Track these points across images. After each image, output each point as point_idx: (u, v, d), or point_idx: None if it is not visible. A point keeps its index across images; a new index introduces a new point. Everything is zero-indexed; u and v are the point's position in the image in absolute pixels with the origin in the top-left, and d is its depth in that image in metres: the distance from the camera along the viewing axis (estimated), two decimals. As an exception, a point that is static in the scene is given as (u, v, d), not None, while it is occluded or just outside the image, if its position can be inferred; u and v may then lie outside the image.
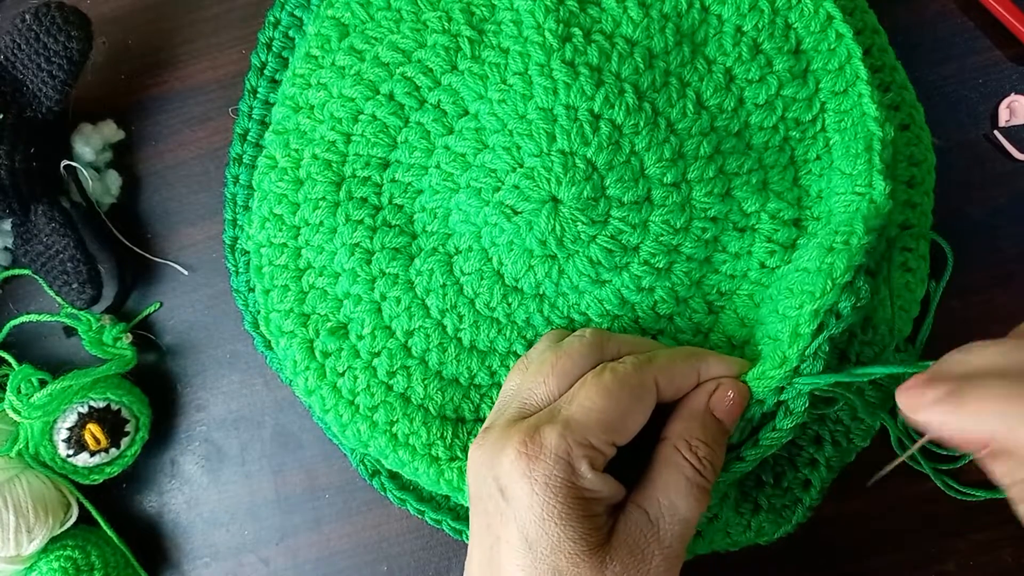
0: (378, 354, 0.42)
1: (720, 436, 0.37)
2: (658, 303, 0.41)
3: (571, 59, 0.40)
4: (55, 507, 0.47)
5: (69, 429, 0.46)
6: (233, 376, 0.50)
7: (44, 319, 0.49)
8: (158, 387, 0.50)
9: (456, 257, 0.42)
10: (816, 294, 0.36)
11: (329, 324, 0.43)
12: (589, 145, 0.40)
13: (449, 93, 0.42)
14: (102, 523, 0.48)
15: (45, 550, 0.47)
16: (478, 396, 0.42)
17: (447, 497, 0.45)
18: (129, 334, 0.49)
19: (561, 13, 0.41)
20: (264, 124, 0.48)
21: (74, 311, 0.48)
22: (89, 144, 0.49)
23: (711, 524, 0.44)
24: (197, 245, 0.51)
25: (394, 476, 0.46)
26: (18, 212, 0.47)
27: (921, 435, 0.35)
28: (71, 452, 0.47)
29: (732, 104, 0.42)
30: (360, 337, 0.42)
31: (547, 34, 0.40)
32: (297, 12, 0.48)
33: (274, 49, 0.48)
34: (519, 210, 0.40)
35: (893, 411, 0.43)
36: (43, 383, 0.46)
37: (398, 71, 0.43)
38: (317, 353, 0.43)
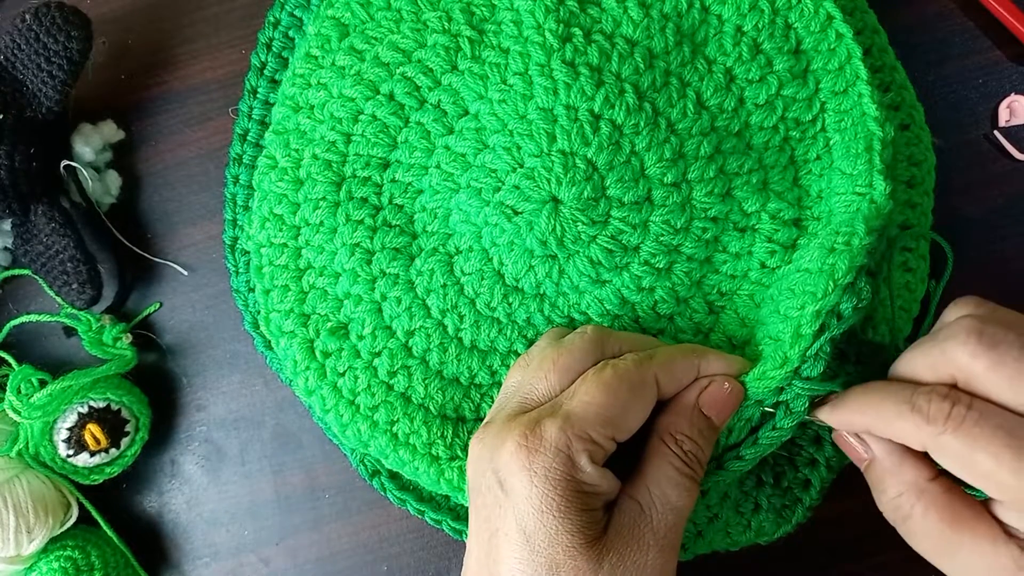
0: (379, 354, 0.42)
1: (708, 432, 0.37)
2: (658, 303, 0.41)
3: (571, 59, 0.40)
4: (55, 507, 0.47)
5: (69, 429, 0.46)
6: (233, 376, 0.50)
7: (44, 319, 0.49)
8: (158, 387, 0.50)
9: (456, 257, 0.42)
10: (818, 295, 0.36)
11: (329, 324, 0.43)
12: (589, 145, 0.40)
13: (449, 93, 0.42)
14: (102, 523, 0.48)
15: (45, 550, 0.47)
16: (479, 395, 0.42)
17: (447, 497, 0.45)
18: (129, 334, 0.49)
19: (561, 13, 0.41)
20: (264, 124, 0.48)
21: (74, 311, 0.48)
22: (89, 144, 0.49)
23: (711, 524, 0.44)
24: (197, 245, 0.51)
25: (394, 476, 0.46)
26: (18, 212, 0.47)
27: None
28: (71, 452, 0.47)
29: (732, 104, 0.42)
30: (361, 337, 0.42)
31: (547, 34, 0.40)
32: (297, 12, 0.48)
33: (274, 49, 0.48)
34: (519, 210, 0.40)
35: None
36: (43, 383, 0.46)
37: (398, 71, 0.43)
38: (317, 353, 0.43)
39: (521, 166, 0.40)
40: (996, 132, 0.47)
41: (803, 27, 0.42)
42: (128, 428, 0.48)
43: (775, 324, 0.39)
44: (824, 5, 0.41)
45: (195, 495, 0.50)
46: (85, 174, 0.48)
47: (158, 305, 0.51)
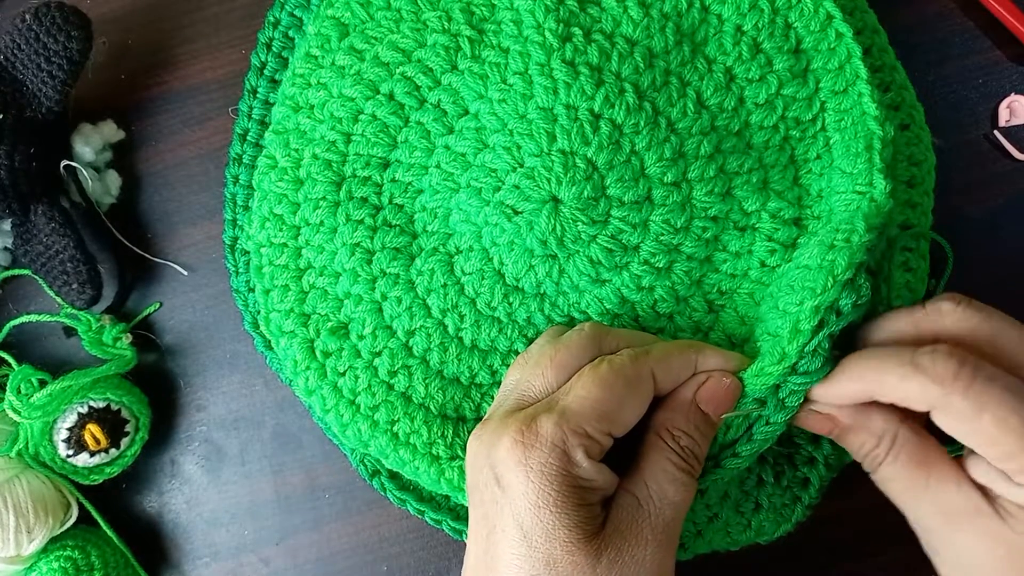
0: (379, 354, 0.42)
1: (705, 427, 0.37)
2: (658, 302, 0.41)
3: (571, 59, 0.40)
4: (55, 507, 0.47)
5: (69, 429, 0.46)
6: (233, 376, 0.50)
7: (44, 319, 0.49)
8: (158, 387, 0.50)
9: (457, 257, 0.42)
10: (817, 291, 0.36)
11: (330, 324, 0.43)
12: (589, 145, 0.40)
13: (449, 93, 0.42)
14: (102, 523, 0.48)
15: (45, 550, 0.47)
16: (479, 395, 0.42)
17: (447, 497, 0.45)
18: (129, 334, 0.49)
19: (561, 13, 0.41)
20: (264, 124, 0.48)
21: (74, 311, 0.48)
22: (89, 144, 0.49)
23: (711, 524, 0.44)
24: (197, 245, 0.51)
25: (394, 476, 0.46)
26: (18, 212, 0.47)
27: None
28: (71, 452, 0.46)
29: (732, 103, 0.42)
30: (361, 337, 0.42)
31: (547, 34, 0.40)
32: (297, 12, 0.48)
33: (274, 49, 0.48)
34: (519, 210, 0.40)
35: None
36: (43, 383, 0.46)
37: (398, 71, 0.43)
38: (318, 353, 0.43)
39: (521, 166, 0.40)
40: (996, 132, 0.47)
41: (803, 26, 0.42)
42: (128, 428, 0.48)
43: (774, 320, 0.39)
44: (824, 4, 0.41)
45: (195, 495, 0.50)
46: (85, 174, 0.48)
47: (158, 305, 0.51)
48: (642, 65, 0.41)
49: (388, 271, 0.42)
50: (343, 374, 0.42)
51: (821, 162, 0.42)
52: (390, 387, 0.42)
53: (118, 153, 0.51)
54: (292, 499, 0.49)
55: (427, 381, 0.42)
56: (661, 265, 0.41)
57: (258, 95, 0.48)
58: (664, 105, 0.41)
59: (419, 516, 0.46)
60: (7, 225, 0.49)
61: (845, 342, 0.38)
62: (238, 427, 0.50)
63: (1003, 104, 0.47)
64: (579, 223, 0.39)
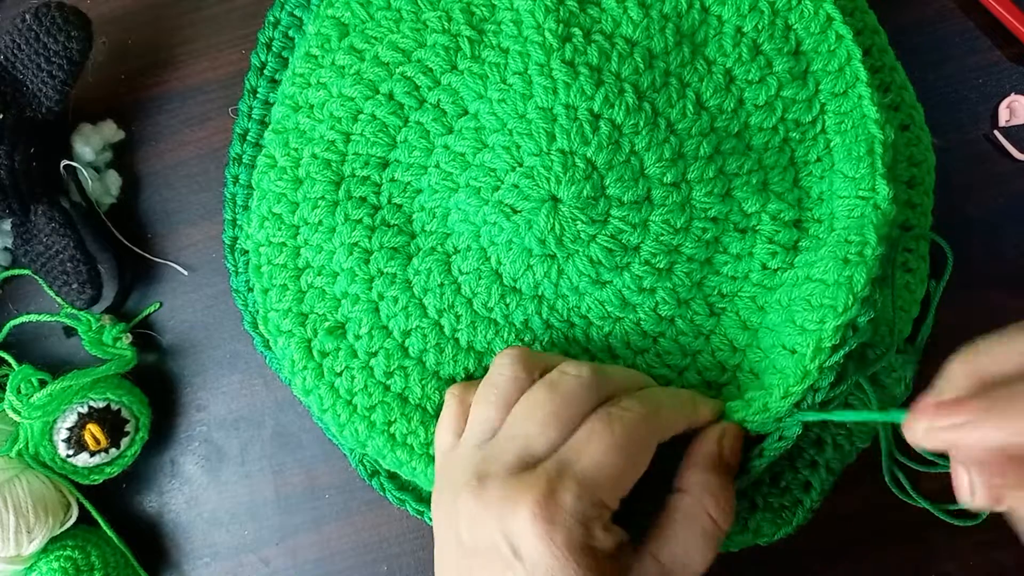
0: (375, 354, 0.42)
1: (732, 481, 0.37)
2: (659, 304, 0.41)
3: (571, 59, 0.40)
4: (55, 507, 0.47)
5: (69, 429, 0.46)
6: (233, 376, 0.50)
7: (44, 319, 0.49)
8: (158, 387, 0.50)
9: (455, 256, 0.42)
10: (839, 309, 0.37)
11: (327, 323, 0.43)
12: (589, 144, 0.40)
13: (449, 93, 0.42)
14: (102, 523, 0.48)
15: (45, 550, 0.47)
16: (475, 396, 0.42)
17: (447, 497, 0.45)
18: (129, 334, 0.49)
19: (561, 13, 0.41)
20: (264, 124, 0.48)
21: (74, 311, 0.48)
22: (89, 144, 0.49)
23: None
24: (197, 245, 0.51)
25: (393, 476, 0.46)
26: (18, 212, 0.47)
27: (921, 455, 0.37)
28: (71, 452, 0.47)
29: (732, 105, 0.42)
30: (358, 337, 0.42)
31: (547, 34, 0.40)
32: (297, 12, 0.48)
33: (274, 49, 0.48)
34: (518, 209, 0.40)
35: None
36: (43, 383, 0.46)
37: (398, 71, 0.43)
38: (315, 352, 0.43)
39: (520, 165, 0.40)
40: (996, 132, 0.47)
41: (803, 28, 0.42)
42: (128, 428, 0.48)
43: (791, 336, 0.38)
44: (824, 6, 0.41)
45: (195, 495, 0.50)
46: (85, 174, 0.48)
47: (158, 305, 0.51)
48: (642, 66, 0.41)
49: (385, 270, 0.42)
50: (340, 374, 0.42)
51: (822, 164, 0.42)
52: (386, 388, 0.42)
53: (118, 153, 0.51)
54: (292, 499, 0.49)
55: (423, 382, 0.42)
56: (662, 266, 0.41)
57: (258, 95, 0.49)
58: (664, 106, 0.41)
59: (418, 516, 0.46)
60: (7, 225, 0.49)
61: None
62: (238, 427, 0.50)
63: (1003, 104, 0.47)
64: (578, 222, 0.39)
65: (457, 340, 0.42)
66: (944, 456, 0.37)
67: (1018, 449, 0.27)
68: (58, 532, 0.47)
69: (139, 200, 0.51)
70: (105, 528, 0.48)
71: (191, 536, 0.50)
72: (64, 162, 0.48)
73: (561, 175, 0.39)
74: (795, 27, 0.42)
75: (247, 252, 0.46)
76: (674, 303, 0.41)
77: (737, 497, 0.43)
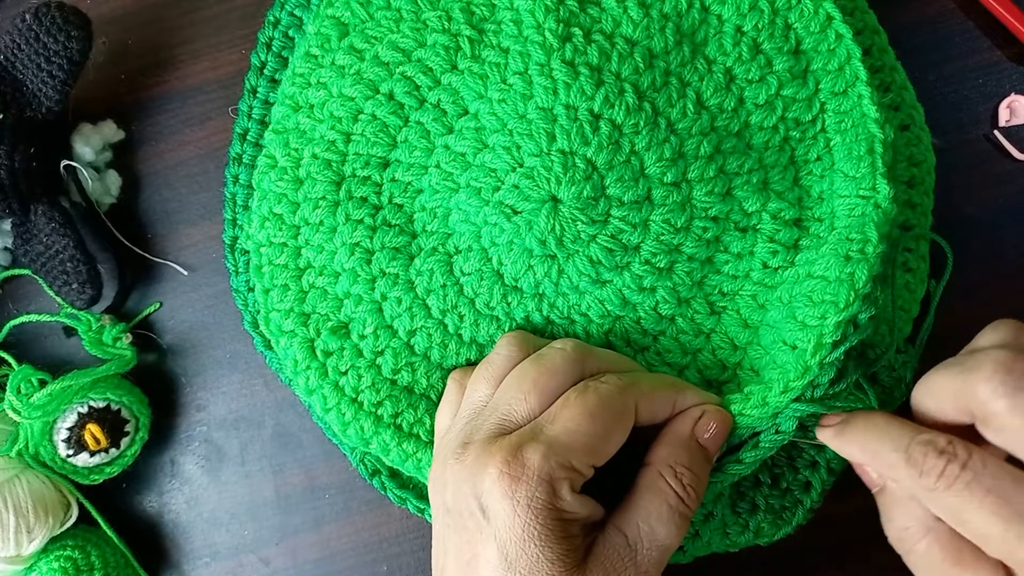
0: (382, 352, 0.42)
1: (704, 463, 0.37)
2: (660, 303, 0.41)
3: (571, 59, 0.40)
4: (55, 507, 0.47)
5: (69, 429, 0.46)
6: (233, 376, 0.50)
7: (44, 319, 0.49)
8: (158, 387, 0.50)
9: (456, 257, 0.42)
10: (840, 305, 0.37)
11: (330, 323, 0.43)
12: (589, 145, 0.40)
13: (449, 92, 0.42)
14: (102, 523, 0.48)
15: (45, 550, 0.47)
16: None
17: (447, 496, 0.45)
18: (129, 334, 0.49)
19: (561, 13, 0.41)
20: (264, 124, 0.48)
21: (74, 311, 0.48)
22: (89, 144, 0.49)
23: (707, 523, 0.44)
24: (197, 245, 0.51)
25: (394, 475, 0.46)
26: (18, 212, 0.47)
27: None
28: (71, 452, 0.47)
29: (732, 104, 0.42)
30: (362, 336, 0.42)
31: (547, 34, 0.40)
32: (297, 12, 0.48)
33: (274, 49, 0.48)
34: (519, 210, 0.40)
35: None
36: (43, 383, 0.46)
37: (398, 70, 0.43)
38: (318, 352, 0.43)
39: (521, 165, 0.40)
40: (996, 132, 0.47)
41: (803, 27, 0.42)
42: (128, 428, 0.48)
43: (792, 332, 0.38)
44: (824, 5, 0.41)
45: (195, 495, 0.50)
46: (85, 174, 0.48)
47: (158, 305, 0.51)
48: (642, 65, 0.41)
49: (387, 271, 0.42)
50: (345, 373, 0.42)
51: (822, 164, 0.42)
52: (393, 383, 0.42)
53: (118, 153, 0.51)
54: (292, 499, 0.49)
55: (429, 374, 0.42)
56: (662, 265, 0.41)
57: (258, 95, 0.49)
58: (664, 105, 0.41)
59: (419, 514, 0.46)
60: (7, 225, 0.49)
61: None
62: (238, 427, 0.50)
63: (1003, 104, 0.47)
64: (578, 223, 0.39)
65: (460, 336, 0.42)
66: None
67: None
68: (58, 532, 0.47)
69: (139, 200, 0.51)
70: (105, 528, 0.48)
71: (191, 536, 0.50)
72: (64, 162, 0.48)
73: (561, 175, 0.39)
74: (795, 26, 0.42)
75: (247, 252, 0.46)
76: (674, 302, 0.41)
77: (738, 498, 0.43)
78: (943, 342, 0.45)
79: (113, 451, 0.47)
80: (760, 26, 0.42)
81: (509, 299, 0.41)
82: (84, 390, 0.47)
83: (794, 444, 0.43)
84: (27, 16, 0.45)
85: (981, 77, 0.48)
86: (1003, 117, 0.47)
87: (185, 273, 0.51)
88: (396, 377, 0.42)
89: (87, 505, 0.48)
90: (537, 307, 0.41)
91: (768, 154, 0.42)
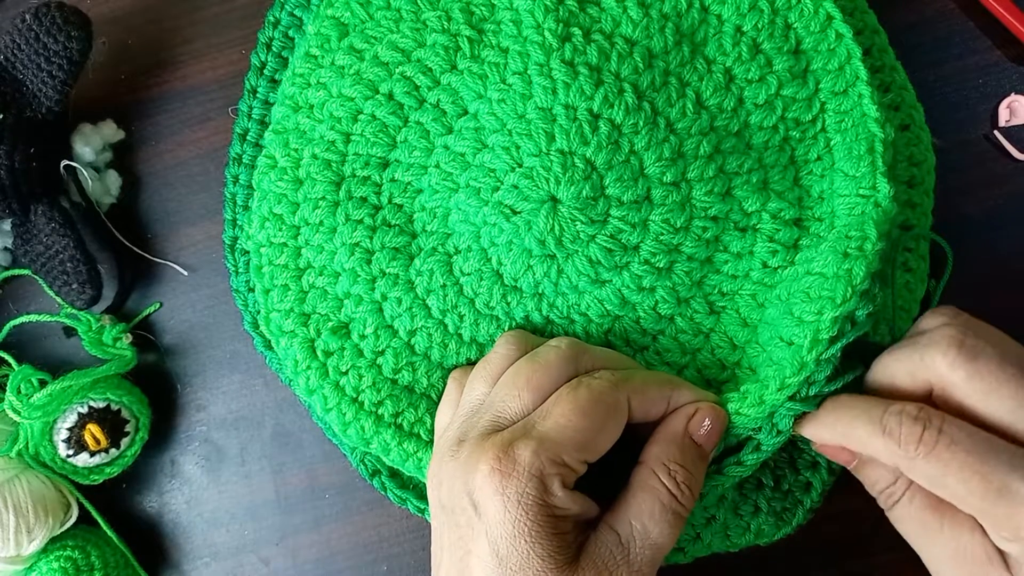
0: (382, 352, 0.42)
1: (699, 461, 0.37)
2: (659, 303, 0.41)
3: (570, 59, 0.40)
4: (55, 507, 0.47)
5: (69, 429, 0.46)
6: (233, 376, 0.50)
7: (44, 319, 0.49)
8: (158, 387, 0.50)
9: (456, 257, 0.42)
10: (837, 301, 0.37)
11: (331, 323, 0.43)
12: (588, 144, 0.40)
13: (448, 93, 0.42)
14: (102, 523, 0.48)
15: (45, 550, 0.47)
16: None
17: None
18: (129, 334, 0.49)
19: (560, 13, 0.41)
20: (264, 124, 0.48)
21: (74, 311, 0.48)
22: (89, 144, 0.49)
23: (709, 526, 0.44)
24: (197, 245, 0.51)
25: (394, 475, 0.46)
26: (18, 212, 0.47)
27: None
28: (71, 452, 0.47)
29: (732, 104, 0.42)
30: (363, 336, 0.42)
31: (546, 34, 0.40)
32: (297, 12, 0.48)
33: (274, 49, 0.48)
34: (518, 210, 0.40)
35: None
36: (43, 383, 0.46)
37: (397, 70, 0.43)
38: (319, 352, 0.43)
39: (520, 165, 0.40)
40: (996, 132, 0.47)
41: (803, 27, 0.42)
42: (128, 428, 0.48)
43: (788, 328, 0.38)
44: (824, 5, 0.41)
45: (195, 495, 0.50)
46: (85, 174, 0.48)
47: (158, 305, 0.51)
48: (641, 65, 0.41)
49: (387, 271, 0.42)
50: (345, 373, 0.42)
51: (822, 163, 0.42)
52: (394, 383, 0.42)
53: (118, 153, 0.51)
54: (292, 499, 0.49)
55: (429, 373, 0.42)
56: (662, 265, 0.41)
57: (258, 95, 0.48)
58: (663, 105, 0.41)
59: (419, 514, 0.46)
60: (7, 225, 0.49)
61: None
62: (238, 427, 0.50)
63: (1003, 104, 0.47)
64: (578, 223, 0.39)
65: (461, 336, 0.42)
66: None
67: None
68: (58, 532, 0.47)
69: (139, 200, 0.51)
70: (105, 528, 0.48)
71: (191, 536, 0.50)
72: (64, 162, 0.48)
73: (560, 175, 0.39)
74: (795, 26, 0.42)
75: (247, 252, 0.46)
76: (674, 302, 0.41)
77: (740, 501, 0.43)
78: (943, 342, 0.45)
79: (113, 451, 0.47)
80: (760, 26, 0.42)
81: (509, 299, 0.41)
82: (84, 390, 0.47)
83: (795, 445, 0.43)
84: (27, 16, 0.45)
85: (981, 77, 0.48)
86: (1003, 117, 0.47)
87: (185, 273, 0.51)
88: (397, 377, 0.42)
89: (87, 505, 0.48)
90: (537, 307, 0.41)
91: (768, 154, 0.42)
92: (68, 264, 0.47)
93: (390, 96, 0.43)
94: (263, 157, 0.45)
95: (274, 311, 0.44)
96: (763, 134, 0.42)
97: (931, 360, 0.35)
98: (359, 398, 0.42)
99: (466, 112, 0.42)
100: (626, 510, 0.35)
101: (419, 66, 0.42)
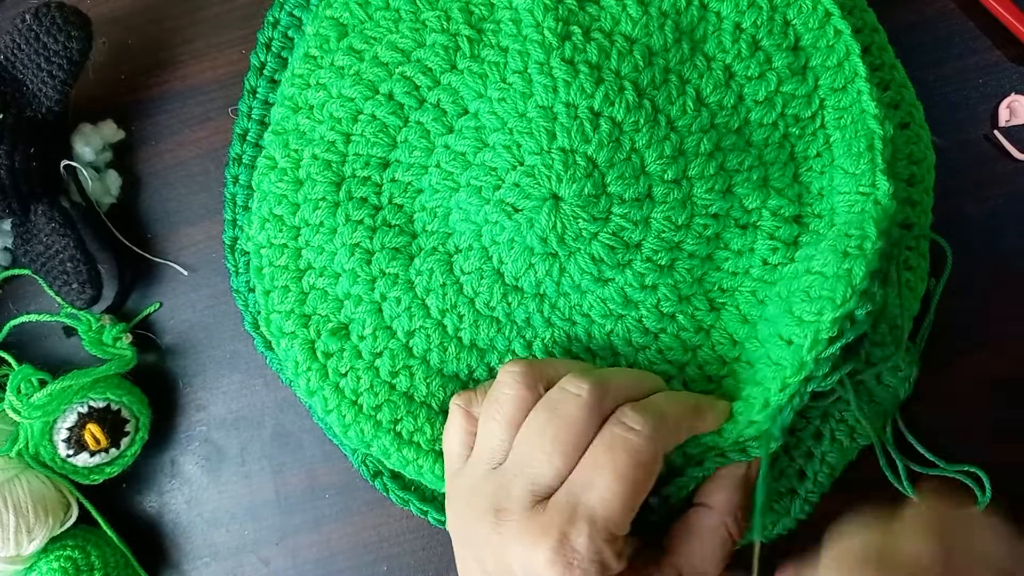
0: (380, 354, 0.42)
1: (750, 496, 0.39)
2: (661, 301, 0.41)
3: (570, 57, 0.40)
4: (55, 507, 0.47)
5: (69, 429, 0.46)
6: (233, 376, 0.50)
7: (44, 319, 0.49)
8: (158, 387, 0.50)
9: (456, 256, 0.42)
10: (837, 301, 0.36)
11: (330, 325, 0.43)
12: (589, 142, 0.40)
13: (448, 92, 0.42)
14: (102, 523, 0.48)
15: (45, 550, 0.47)
16: (476, 390, 0.42)
17: (449, 497, 0.45)
18: (129, 334, 0.49)
19: (560, 11, 0.41)
20: (263, 124, 0.48)
21: (74, 311, 0.48)
22: (89, 144, 0.49)
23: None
24: (197, 245, 0.51)
25: (396, 476, 0.46)
26: (18, 212, 0.47)
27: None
28: (71, 452, 0.46)
29: (732, 101, 0.42)
30: (362, 337, 0.42)
31: (546, 32, 0.41)
32: (296, 12, 0.48)
33: (273, 49, 0.48)
34: (520, 208, 0.40)
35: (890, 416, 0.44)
36: (43, 383, 0.46)
37: (397, 71, 0.43)
38: (319, 354, 0.43)
39: (521, 164, 0.40)
40: (996, 132, 0.47)
41: (801, 24, 0.42)
42: (128, 428, 0.48)
43: (788, 327, 0.38)
44: (822, 2, 0.42)
45: (195, 495, 0.50)
46: (85, 174, 0.48)
47: (158, 305, 0.51)
48: (641, 63, 0.41)
49: (387, 271, 0.42)
50: (344, 375, 0.42)
51: (821, 160, 0.42)
52: (392, 387, 0.42)
53: (118, 153, 0.51)
54: (292, 499, 0.49)
55: (428, 380, 0.42)
56: (664, 263, 0.41)
57: (257, 95, 0.48)
58: (664, 103, 0.41)
59: (422, 516, 0.46)
60: (7, 225, 0.49)
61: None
62: (238, 427, 0.50)
63: (1003, 104, 0.47)
64: (580, 220, 0.39)
65: (460, 339, 0.42)
66: (943, 457, 0.38)
67: None
68: (58, 532, 0.47)
69: (139, 200, 0.51)
70: (105, 528, 0.48)
71: (191, 536, 0.50)
72: (64, 162, 0.48)
73: (562, 173, 0.39)
74: (793, 22, 0.42)
75: (247, 252, 0.46)
76: (675, 299, 0.41)
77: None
78: (943, 342, 0.45)
79: (113, 451, 0.47)
80: (759, 23, 0.42)
81: (510, 299, 0.41)
82: (84, 390, 0.47)
83: (792, 433, 0.44)
84: (27, 16, 0.45)
85: (981, 77, 0.48)
86: (1003, 117, 0.47)
87: (185, 273, 0.51)
88: (395, 381, 0.42)
89: (87, 505, 0.48)
90: (538, 308, 0.41)
91: (768, 151, 0.42)
92: (68, 264, 0.47)
93: (390, 96, 0.43)
94: (263, 158, 0.45)
95: (274, 312, 0.44)
96: (763, 131, 0.42)
97: None
98: (358, 401, 0.42)
99: (466, 111, 0.42)
100: (691, 553, 0.37)
101: (419, 66, 0.42)
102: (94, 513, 0.48)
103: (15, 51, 0.46)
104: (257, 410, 0.50)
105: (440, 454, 0.41)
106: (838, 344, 0.37)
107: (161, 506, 0.50)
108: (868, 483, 0.43)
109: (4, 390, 0.47)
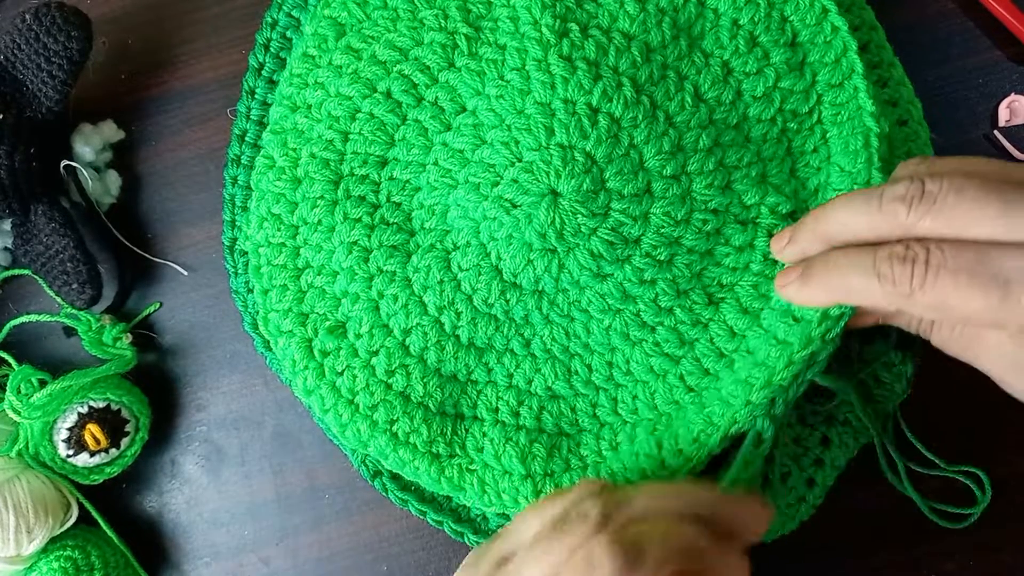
0: (376, 352, 0.42)
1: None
2: (659, 295, 0.41)
3: (568, 54, 0.40)
4: (55, 507, 0.47)
5: (69, 429, 0.46)
6: (233, 376, 0.50)
7: (44, 319, 0.49)
8: (158, 387, 0.50)
9: (454, 253, 0.42)
10: None
11: (328, 323, 0.43)
12: (588, 138, 0.40)
13: (446, 90, 0.42)
14: (102, 523, 0.48)
15: (45, 550, 0.47)
16: (475, 392, 0.42)
17: (449, 498, 0.45)
18: (129, 334, 0.49)
19: (558, 8, 0.41)
20: (262, 125, 0.48)
21: (74, 311, 0.48)
22: (89, 144, 0.49)
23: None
24: (197, 245, 0.51)
25: (396, 477, 0.46)
26: (18, 212, 0.47)
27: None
28: (71, 452, 0.46)
29: (730, 97, 0.42)
30: (358, 336, 0.42)
31: (544, 29, 0.41)
32: (295, 13, 0.48)
33: (271, 50, 0.48)
34: (518, 204, 0.40)
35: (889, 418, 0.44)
36: (43, 383, 0.46)
37: (395, 69, 0.43)
38: (316, 352, 0.43)
39: (520, 160, 0.40)
40: (996, 132, 0.47)
41: (799, 20, 0.42)
42: (128, 428, 0.48)
43: (786, 325, 0.39)
44: (820, -2, 0.42)
45: (195, 495, 0.50)
46: (85, 174, 0.48)
47: (158, 305, 0.51)
48: (639, 59, 0.41)
49: (385, 268, 0.42)
50: (341, 373, 0.42)
51: (818, 155, 0.42)
52: (388, 386, 0.42)
53: (118, 153, 0.51)
54: (292, 499, 0.49)
55: (425, 380, 0.42)
56: (663, 258, 0.41)
57: (256, 96, 0.49)
58: (662, 99, 0.41)
59: (420, 516, 0.46)
60: (7, 225, 0.49)
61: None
62: (238, 427, 0.50)
63: (1003, 104, 0.47)
64: (579, 216, 0.39)
65: (458, 337, 0.42)
66: (943, 457, 0.38)
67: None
68: (58, 532, 0.47)
69: (139, 200, 0.51)
70: (105, 528, 0.48)
71: (191, 536, 0.50)
72: (64, 162, 0.48)
73: (561, 169, 0.39)
74: (791, 18, 0.42)
75: (246, 253, 0.46)
76: (673, 294, 0.41)
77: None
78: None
79: (113, 451, 0.47)
80: (756, 19, 0.42)
81: (508, 296, 0.41)
82: (84, 390, 0.47)
83: (799, 443, 0.44)
84: (27, 16, 0.45)
85: (981, 77, 0.48)
86: (1003, 117, 0.47)
87: (185, 273, 0.51)
88: (391, 380, 0.42)
89: (87, 505, 0.48)
90: (536, 305, 0.41)
91: (766, 147, 0.42)
92: (68, 264, 0.47)
93: (388, 94, 0.43)
94: (261, 157, 0.45)
95: (272, 311, 0.44)
96: (761, 126, 0.42)
97: (893, 216, 0.34)
98: (354, 400, 0.42)
99: (464, 109, 0.42)
100: None
101: (417, 64, 0.42)
102: (94, 513, 0.48)
103: (15, 51, 0.46)
104: (257, 410, 0.50)
105: (436, 456, 0.41)
106: (842, 322, 0.38)
107: (161, 506, 0.50)
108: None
109: (4, 390, 0.47)
